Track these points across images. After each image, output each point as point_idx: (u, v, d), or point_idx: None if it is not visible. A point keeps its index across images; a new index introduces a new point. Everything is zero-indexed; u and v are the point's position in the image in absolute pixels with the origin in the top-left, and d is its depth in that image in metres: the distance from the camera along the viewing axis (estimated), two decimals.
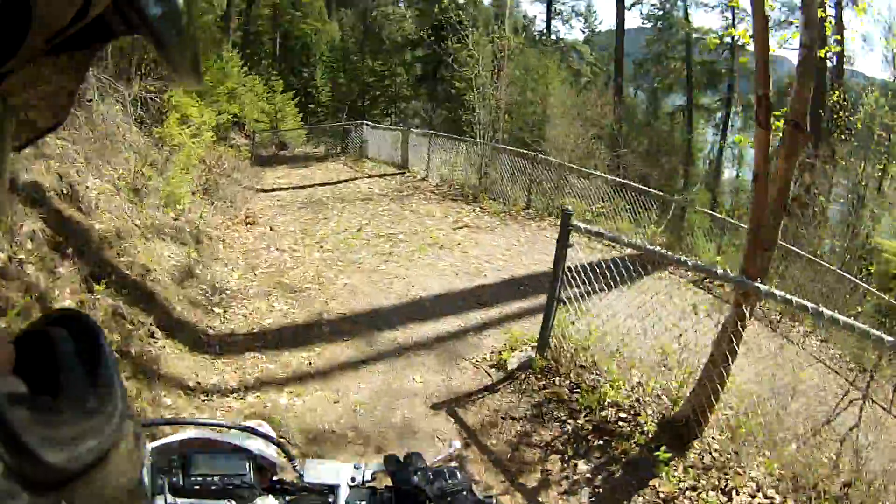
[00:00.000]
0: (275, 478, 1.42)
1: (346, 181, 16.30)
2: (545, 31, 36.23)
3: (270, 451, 1.42)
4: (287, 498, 1.38)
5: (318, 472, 1.38)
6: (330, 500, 1.35)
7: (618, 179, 14.57)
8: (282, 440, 1.47)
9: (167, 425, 1.84)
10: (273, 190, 14.88)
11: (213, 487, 1.31)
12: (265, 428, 1.53)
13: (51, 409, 0.43)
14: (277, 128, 24.58)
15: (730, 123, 33.33)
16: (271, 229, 10.76)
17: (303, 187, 15.34)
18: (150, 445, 1.36)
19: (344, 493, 1.35)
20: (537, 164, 14.27)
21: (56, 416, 0.43)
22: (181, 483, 1.29)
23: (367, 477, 1.38)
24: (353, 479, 1.37)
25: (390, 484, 1.35)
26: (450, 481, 1.29)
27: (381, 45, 31.41)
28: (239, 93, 21.61)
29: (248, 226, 10.66)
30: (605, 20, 60.90)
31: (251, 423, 1.56)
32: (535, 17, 38.92)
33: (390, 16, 32.43)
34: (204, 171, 11.44)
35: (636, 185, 14.00)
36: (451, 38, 18.23)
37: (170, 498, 1.28)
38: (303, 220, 11.66)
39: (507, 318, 7.47)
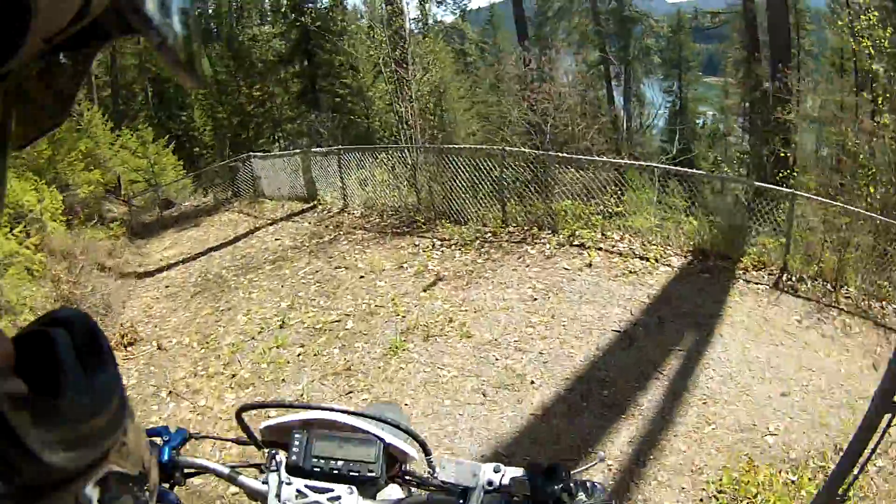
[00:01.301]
0: (405, 467, 1.45)
1: (245, 236, 12.80)
2: (420, 16, 33.64)
3: (403, 441, 1.42)
4: (414, 491, 1.43)
5: (454, 470, 1.35)
6: (460, 501, 1.32)
7: (639, 163, 12.26)
8: (415, 432, 1.38)
9: (302, 409, 1.63)
10: (160, 270, 11.59)
11: (334, 471, 1.36)
12: (398, 412, 1.82)
13: (51, 409, 0.42)
14: (158, 184, 21.06)
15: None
16: (160, 348, 7.96)
17: (195, 257, 11.96)
18: (267, 423, 1.48)
19: (478, 497, 1.32)
20: (506, 161, 10.92)
21: (57, 417, 0.42)
22: (300, 463, 1.37)
23: (506, 482, 1.34)
24: (489, 483, 1.34)
25: (527, 493, 1.30)
26: (591, 498, 1.27)
27: (255, 69, 28.54)
28: (105, 155, 18.73)
29: (128, 348, 7.92)
30: None
31: (385, 404, 2.30)
32: (408, 3, 36.20)
33: (258, 37, 29.56)
34: (57, 277, 8.99)
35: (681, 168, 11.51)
36: (325, 46, 15.47)
37: (285, 476, 1.37)
38: (201, 317, 8.85)
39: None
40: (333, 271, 9.53)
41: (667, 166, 11.02)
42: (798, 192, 9.47)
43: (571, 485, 1.26)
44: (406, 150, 12.39)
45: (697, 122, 30.61)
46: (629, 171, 11.28)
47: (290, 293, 8.96)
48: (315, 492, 1.35)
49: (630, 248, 9.41)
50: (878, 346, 7.90)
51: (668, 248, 9.50)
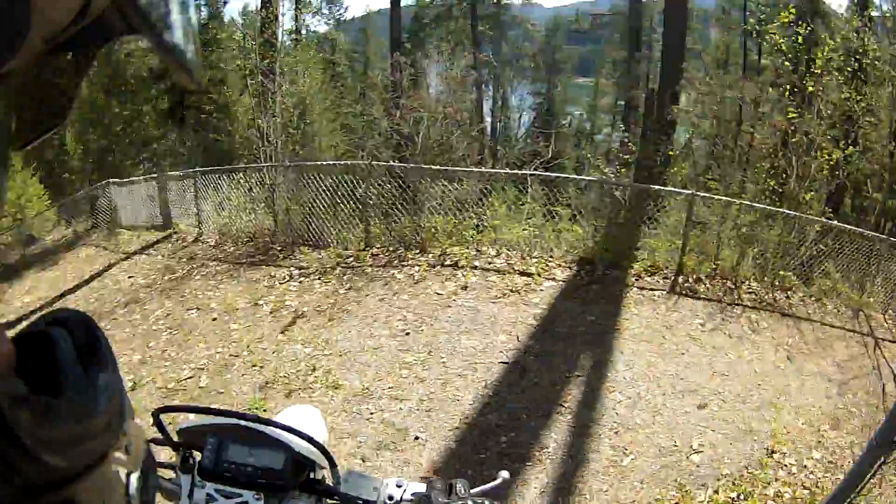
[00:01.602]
0: (312, 476, 1.42)
1: (100, 274, 11.04)
2: (295, 27, 32.58)
3: (312, 449, 1.38)
4: (321, 501, 1.40)
5: (357, 483, 1.39)
6: None
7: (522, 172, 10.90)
8: (322, 443, 1.37)
9: (217, 414, 1.51)
10: (20, 321, 9.94)
11: (243, 477, 1.35)
12: (314, 418, 1.63)
13: (51, 410, 0.42)
14: (24, 217, 18.93)
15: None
16: None
17: (51, 303, 10.13)
18: (183, 425, 1.44)
19: None
20: (372, 177, 9.79)
21: (56, 417, 0.43)
22: (212, 466, 1.36)
23: (408, 496, 1.36)
24: (390, 498, 1.36)
25: None
26: None
27: (128, 87, 26.61)
28: None
29: None
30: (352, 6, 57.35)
31: (302, 408, 1.75)
32: (285, 14, 34.98)
33: (134, 52, 27.79)
34: None
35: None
36: None
37: (197, 479, 1.36)
38: None
39: None
40: (185, 314, 8.16)
41: (547, 174, 10.08)
42: (698, 193, 8.94)
43: (469, 501, 1.29)
44: (265, 169, 11.27)
45: (563, 122, 30.78)
46: (503, 180, 10.57)
47: (141, 344, 7.52)
48: (224, 496, 1.35)
49: (509, 264, 8.49)
50: (789, 337, 7.67)
51: (551, 260, 8.60)
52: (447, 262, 8.60)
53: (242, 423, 1.39)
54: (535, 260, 8.53)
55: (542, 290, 7.83)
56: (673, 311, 7.68)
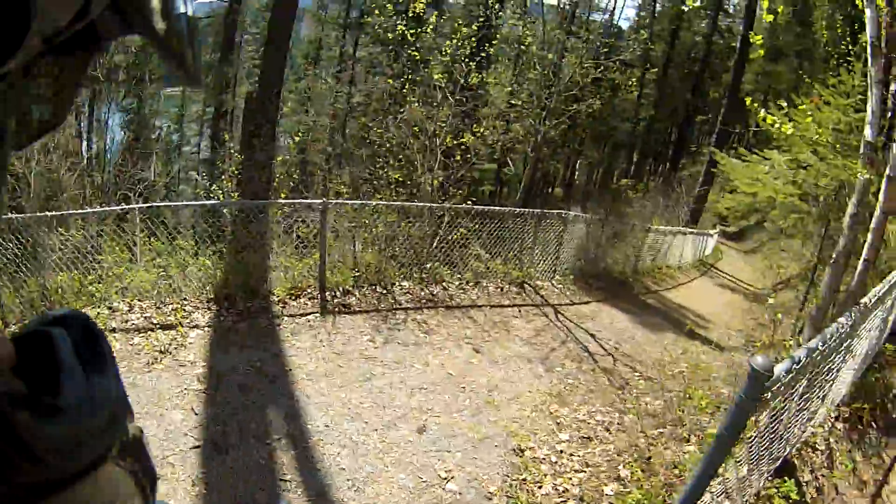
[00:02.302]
0: None
1: None
2: None
3: None
4: None
5: None
6: None
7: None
8: None
9: None
10: None
11: None
12: None
13: (51, 409, 0.43)
14: None
15: None
16: None
17: None
18: None
19: None
20: None
21: (56, 416, 0.43)
22: None
23: None
24: None
25: None
26: None
27: None
28: None
29: None
30: None
31: None
32: None
33: None
34: None
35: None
36: None
37: None
38: None
39: None
40: None
41: (151, 205, 7.99)
42: (330, 201, 7.94)
43: None
44: None
45: (153, 136, 28.08)
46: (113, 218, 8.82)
47: None
48: None
49: (146, 318, 6.78)
50: (464, 328, 7.40)
51: (186, 302, 7.15)
52: None
53: None
54: (171, 307, 6.96)
55: (191, 343, 6.32)
56: (335, 332, 6.77)
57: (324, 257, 7.52)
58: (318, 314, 7.11)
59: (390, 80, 12.22)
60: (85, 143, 23.31)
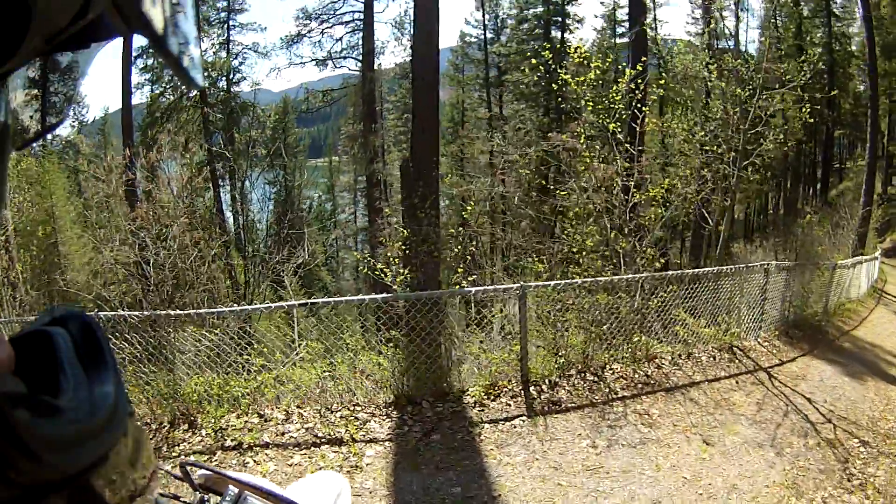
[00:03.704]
0: None
1: None
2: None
3: None
4: None
5: None
6: None
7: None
8: None
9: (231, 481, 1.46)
10: None
11: None
12: (341, 492, 1.71)
13: (51, 408, 0.42)
14: None
15: None
16: None
17: None
18: (202, 472, 1.48)
19: None
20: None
21: (56, 416, 0.42)
22: None
23: None
24: None
25: None
26: None
27: None
28: None
29: None
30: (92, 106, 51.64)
31: (330, 478, 1.91)
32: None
33: None
34: None
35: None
36: None
37: None
38: None
39: None
40: None
41: (314, 300, 6.71)
42: (528, 284, 6.64)
43: None
44: None
45: (304, 206, 28.49)
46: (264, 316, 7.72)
47: None
48: None
49: (308, 430, 5.49)
50: (689, 414, 6.15)
51: (358, 408, 5.80)
52: (228, 443, 5.36)
53: (266, 486, 1.38)
54: (339, 415, 5.65)
55: (368, 463, 4.98)
56: (548, 439, 5.43)
57: (525, 349, 6.23)
58: (524, 417, 5.79)
59: (565, 136, 10.82)
60: (231, 219, 23.42)
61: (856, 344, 10.80)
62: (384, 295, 6.30)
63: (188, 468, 1.46)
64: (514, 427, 5.60)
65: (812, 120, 12.10)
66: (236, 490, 1.36)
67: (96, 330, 0.50)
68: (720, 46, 26.88)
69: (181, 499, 1.48)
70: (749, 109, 11.43)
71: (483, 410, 5.81)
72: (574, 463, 5.14)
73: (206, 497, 1.41)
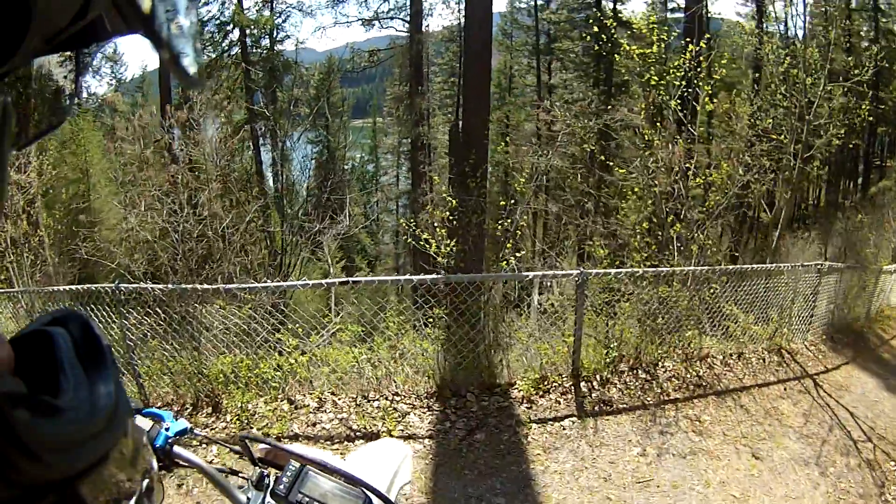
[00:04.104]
0: None
1: None
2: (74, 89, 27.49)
3: None
4: None
5: None
6: None
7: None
8: None
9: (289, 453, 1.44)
10: None
11: None
12: (403, 460, 1.64)
13: (51, 409, 0.41)
14: None
15: None
16: None
17: None
18: (262, 445, 1.48)
19: None
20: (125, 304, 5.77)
21: (56, 416, 0.41)
22: (286, 492, 1.33)
23: None
24: None
25: None
26: None
27: None
28: None
29: None
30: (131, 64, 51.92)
31: (393, 446, 1.81)
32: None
33: None
34: None
35: None
36: None
37: (268, 498, 1.36)
38: None
39: None
40: None
41: (356, 279, 6.00)
42: (589, 270, 6.00)
43: None
44: None
45: (346, 167, 28.03)
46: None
47: None
48: None
49: (342, 421, 5.15)
50: (739, 423, 5.77)
51: (398, 398, 5.36)
52: (255, 431, 4.99)
53: (330, 465, 1.36)
54: (376, 404, 5.24)
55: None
56: (598, 444, 5.07)
57: (579, 341, 5.78)
58: (574, 417, 5.39)
59: (626, 111, 10.05)
60: (271, 178, 23.07)
61: (894, 355, 10.38)
62: (432, 276, 5.71)
63: (248, 441, 1.48)
64: (564, 429, 5.23)
65: (871, 118, 11.10)
66: (297, 465, 1.35)
67: (96, 330, 0.49)
68: (768, 30, 25.93)
69: (240, 474, 1.50)
70: (813, 101, 10.57)
71: (531, 408, 5.42)
72: (624, 474, 4.82)
73: (265, 471, 1.40)
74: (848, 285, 10.32)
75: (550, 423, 5.23)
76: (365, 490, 1.31)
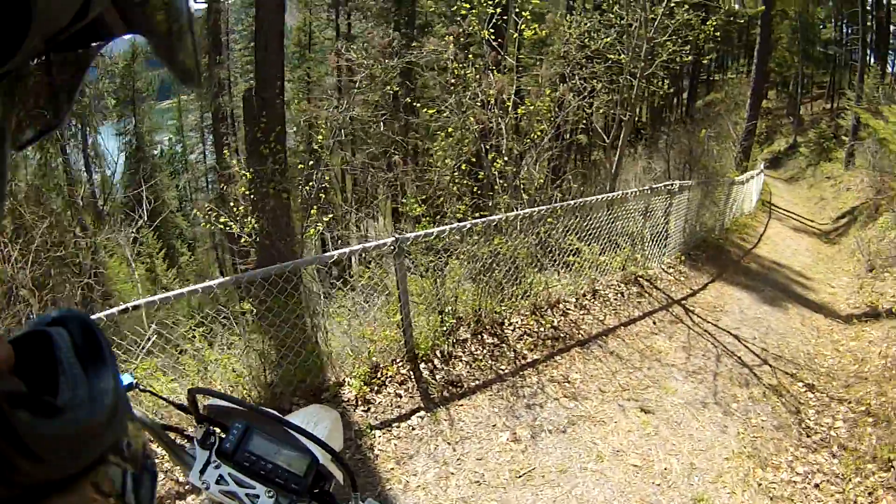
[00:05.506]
0: (325, 488, 1.32)
1: None
2: None
3: (335, 466, 1.31)
4: None
5: None
6: None
7: None
8: (350, 467, 1.25)
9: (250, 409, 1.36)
10: None
11: (261, 472, 1.25)
12: (336, 423, 1.52)
13: (51, 408, 0.41)
14: None
15: None
16: None
17: None
18: (213, 402, 1.38)
19: None
20: None
21: (56, 416, 0.41)
22: (232, 451, 1.26)
23: None
24: None
25: None
26: None
27: None
28: None
29: None
30: None
31: (324, 411, 1.58)
32: None
33: None
34: None
35: None
36: None
37: (214, 458, 1.28)
38: None
39: None
40: None
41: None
42: (405, 234, 4.81)
43: None
44: None
45: (154, 152, 27.14)
46: None
47: None
48: (236, 482, 1.26)
49: None
50: (614, 373, 5.26)
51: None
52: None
53: (277, 421, 1.28)
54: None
55: None
56: (459, 440, 4.19)
57: (408, 317, 4.79)
58: (422, 412, 4.44)
59: (430, 46, 9.02)
60: (85, 174, 21.51)
61: (761, 264, 10.55)
62: (219, 280, 4.43)
63: (196, 396, 1.40)
64: (413, 429, 4.26)
65: (718, 34, 10.88)
66: (243, 422, 1.27)
67: (96, 330, 0.48)
68: None
69: (185, 432, 1.41)
70: (654, 18, 10.12)
71: (369, 409, 4.39)
72: (499, 470, 3.95)
73: (211, 429, 1.31)
74: (701, 201, 10.19)
75: (396, 424, 4.26)
76: (311, 445, 1.21)
